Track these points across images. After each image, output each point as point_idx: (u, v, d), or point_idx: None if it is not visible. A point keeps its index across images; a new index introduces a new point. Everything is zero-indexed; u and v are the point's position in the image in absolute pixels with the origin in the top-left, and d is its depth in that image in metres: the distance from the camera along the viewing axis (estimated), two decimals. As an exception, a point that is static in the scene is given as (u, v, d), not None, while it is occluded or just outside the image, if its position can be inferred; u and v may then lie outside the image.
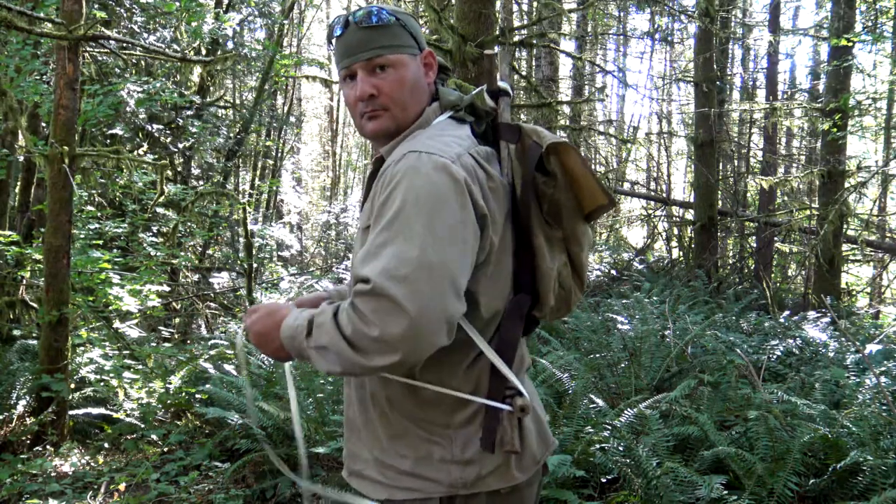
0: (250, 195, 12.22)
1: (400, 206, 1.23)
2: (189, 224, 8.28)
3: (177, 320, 8.31)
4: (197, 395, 4.74)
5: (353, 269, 1.26)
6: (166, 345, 6.31)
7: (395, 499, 1.37)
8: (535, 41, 8.15)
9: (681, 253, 11.87)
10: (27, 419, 4.57)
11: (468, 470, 1.35)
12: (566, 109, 11.14)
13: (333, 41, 1.44)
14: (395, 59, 1.39)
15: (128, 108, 7.32)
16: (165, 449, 4.39)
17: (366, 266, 1.20)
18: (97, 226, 6.84)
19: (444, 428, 1.36)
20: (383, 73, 1.39)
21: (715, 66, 10.50)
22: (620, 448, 3.20)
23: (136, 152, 7.37)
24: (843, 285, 10.55)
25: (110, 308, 5.59)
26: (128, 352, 5.54)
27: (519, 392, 1.35)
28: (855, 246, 10.18)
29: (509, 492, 1.39)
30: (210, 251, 10.64)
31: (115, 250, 6.66)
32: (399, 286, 1.16)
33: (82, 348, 5.32)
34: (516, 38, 7.25)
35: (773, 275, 11.44)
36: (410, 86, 1.41)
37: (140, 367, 5.23)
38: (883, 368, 4.56)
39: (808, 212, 10.18)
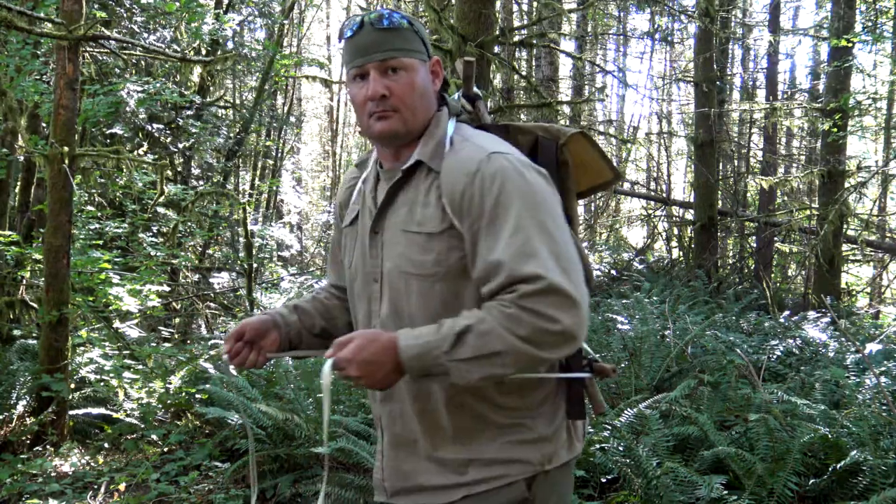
0: (250, 195, 12.22)
1: (520, 206, 1.30)
2: (189, 224, 8.28)
3: (177, 320, 8.31)
4: (197, 395, 4.74)
5: (501, 268, 1.27)
6: (166, 345, 6.30)
7: (475, 492, 1.39)
8: (535, 41, 8.15)
9: (681, 253, 11.88)
10: (27, 419, 4.56)
11: (548, 446, 1.43)
12: (566, 109, 11.14)
13: (345, 41, 1.43)
14: (408, 62, 1.40)
15: (128, 108, 7.31)
16: (165, 449, 4.39)
17: (528, 265, 1.26)
18: (97, 226, 6.84)
19: (526, 409, 1.41)
20: (395, 76, 1.39)
21: (715, 66, 10.50)
22: (620, 448, 3.20)
23: (136, 152, 7.37)
24: (843, 285, 10.55)
25: (110, 308, 5.59)
26: (128, 352, 5.53)
27: (595, 358, 1.47)
28: (855, 246, 10.18)
29: (572, 462, 1.50)
30: (210, 251, 10.63)
31: (115, 250, 6.65)
32: (565, 279, 1.26)
33: (82, 348, 5.32)
34: (516, 38, 7.25)
35: (773, 275, 11.44)
36: (420, 91, 1.41)
37: (140, 367, 5.23)
38: (883, 368, 4.56)
39: (808, 212, 10.19)
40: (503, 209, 1.30)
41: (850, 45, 8.57)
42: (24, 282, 6.23)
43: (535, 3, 11.49)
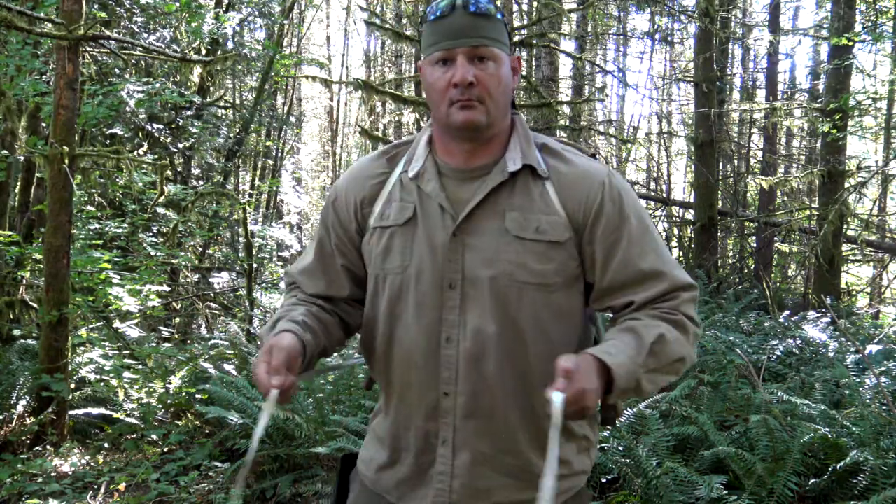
0: (250, 195, 12.22)
1: (649, 221, 1.40)
2: (189, 224, 8.28)
3: (177, 320, 8.31)
4: (197, 395, 4.74)
5: (663, 276, 1.34)
6: (166, 345, 6.30)
7: None
8: (535, 41, 8.14)
9: (681, 253, 11.87)
10: (27, 419, 4.56)
11: (594, 452, 1.48)
12: (566, 109, 11.13)
13: (429, 23, 1.33)
14: (497, 53, 1.32)
15: (128, 109, 7.31)
16: (165, 449, 4.39)
17: (682, 274, 1.37)
18: (97, 226, 6.84)
19: (591, 418, 1.45)
20: (483, 65, 1.31)
21: (715, 66, 10.49)
22: (620, 448, 3.20)
23: (136, 152, 7.37)
24: (843, 285, 10.55)
25: (110, 308, 5.59)
26: (128, 352, 5.54)
27: None
28: (855, 246, 10.18)
29: None
30: (210, 251, 10.63)
31: (115, 250, 6.66)
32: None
33: (82, 348, 5.32)
34: (516, 38, 7.25)
35: (773, 275, 11.44)
36: (505, 86, 1.34)
37: (140, 367, 5.23)
38: (883, 368, 4.56)
39: (808, 212, 10.18)
40: (642, 222, 1.36)
41: (850, 44, 8.56)
42: (24, 282, 6.23)
43: (535, 3, 11.49)
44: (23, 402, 4.65)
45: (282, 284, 10.34)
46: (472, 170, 1.37)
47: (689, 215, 12.18)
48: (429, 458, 1.37)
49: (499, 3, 1.34)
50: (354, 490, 1.50)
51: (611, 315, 1.45)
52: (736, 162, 13.11)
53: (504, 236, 1.32)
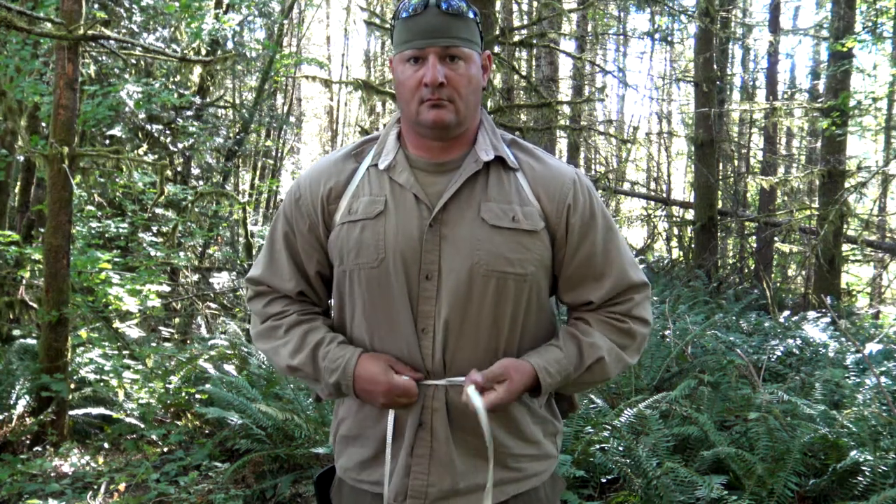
0: (250, 195, 12.21)
1: (612, 220, 1.45)
2: (189, 224, 8.27)
3: (177, 320, 8.31)
4: (197, 395, 4.73)
5: (620, 275, 1.42)
6: (166, 345, 6.30)
7: (522, 491, 1.42)
8: (535, 41, 8.14)
9: (681, 253, 11.88)
10: (27, 419, 4.56)
11: (559, 438, 1.51)
12: (566, 109, 11.13)
13: (401, 20, 1.34)
14: (468, 53, 1.33)
15: (127, 109, 7.31)
16: (165, 449, 4.38)
17: (634, 273, 1.43)
18: (97, 226, 6.83)
19: (548, 404, 1.49)
20: (454, 65, 1.32)
21: (715, 66, 10.50)
22: (620, 448, 3.20)
23: (136, 152, 7.37)
24: (843, 285, 10.54)
25: (110, 308, 5.58)
26: (128, 352, 5.53)
27: None
28: (855, 246, 10.19)
29: None
30: (210, 251, 10.63)
31: (115, 250, 6.65)
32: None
33: (82, 348, 5.31)
34: (516, 38, 7.25)
35: (773, 275, 11.44)
36: (475, 85, 1.36)
37: (140, 367, 5.23)
38: (883, 368, 4.56)
39: (808, 212, 10.18)
40: (607, 221, 1.42)
41: (845, 48, 8.53)
42: (24, 282, 6.23)
43: (535, 3, 11.48)
44: (23, 402, 4.64)
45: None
46: (444, 163, 1.38)
47: (689, 215, 12.18)
48: (408, 443, 1.38)
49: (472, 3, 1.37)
50: (340, 495, 1.50)
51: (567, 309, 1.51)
52: (736, 162, 13.12)
53: (480, 226, 1.33)
